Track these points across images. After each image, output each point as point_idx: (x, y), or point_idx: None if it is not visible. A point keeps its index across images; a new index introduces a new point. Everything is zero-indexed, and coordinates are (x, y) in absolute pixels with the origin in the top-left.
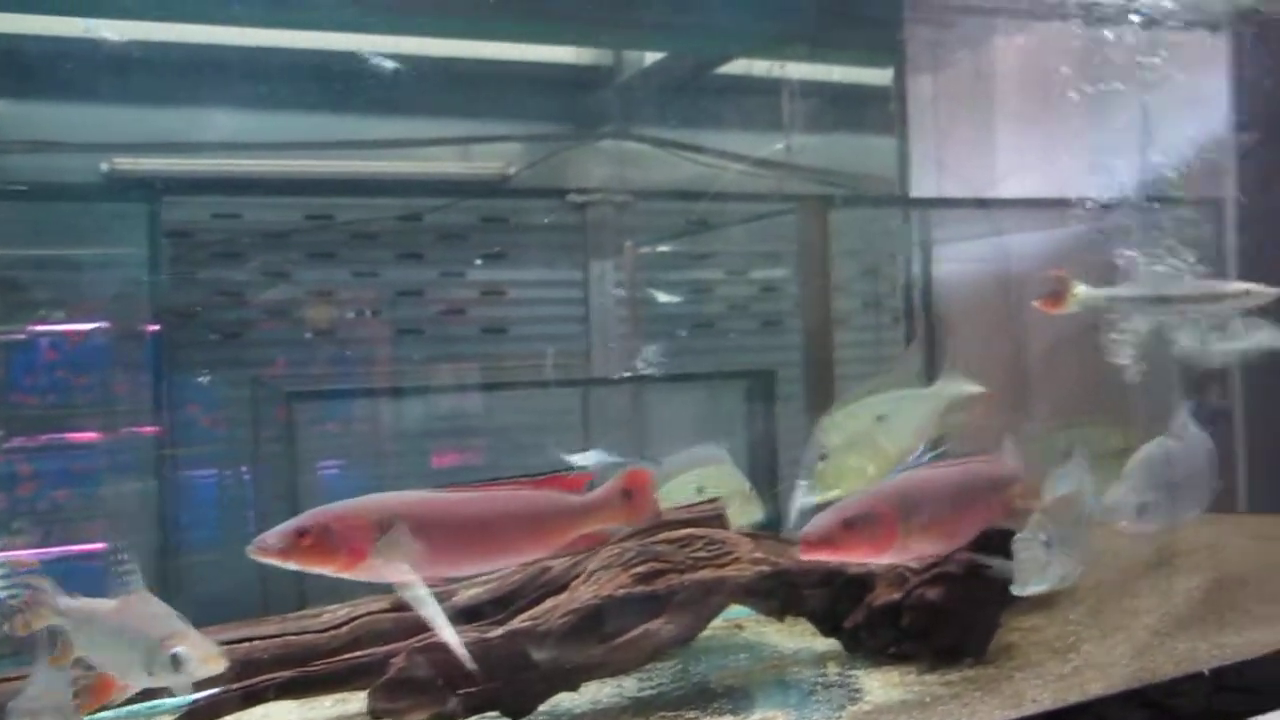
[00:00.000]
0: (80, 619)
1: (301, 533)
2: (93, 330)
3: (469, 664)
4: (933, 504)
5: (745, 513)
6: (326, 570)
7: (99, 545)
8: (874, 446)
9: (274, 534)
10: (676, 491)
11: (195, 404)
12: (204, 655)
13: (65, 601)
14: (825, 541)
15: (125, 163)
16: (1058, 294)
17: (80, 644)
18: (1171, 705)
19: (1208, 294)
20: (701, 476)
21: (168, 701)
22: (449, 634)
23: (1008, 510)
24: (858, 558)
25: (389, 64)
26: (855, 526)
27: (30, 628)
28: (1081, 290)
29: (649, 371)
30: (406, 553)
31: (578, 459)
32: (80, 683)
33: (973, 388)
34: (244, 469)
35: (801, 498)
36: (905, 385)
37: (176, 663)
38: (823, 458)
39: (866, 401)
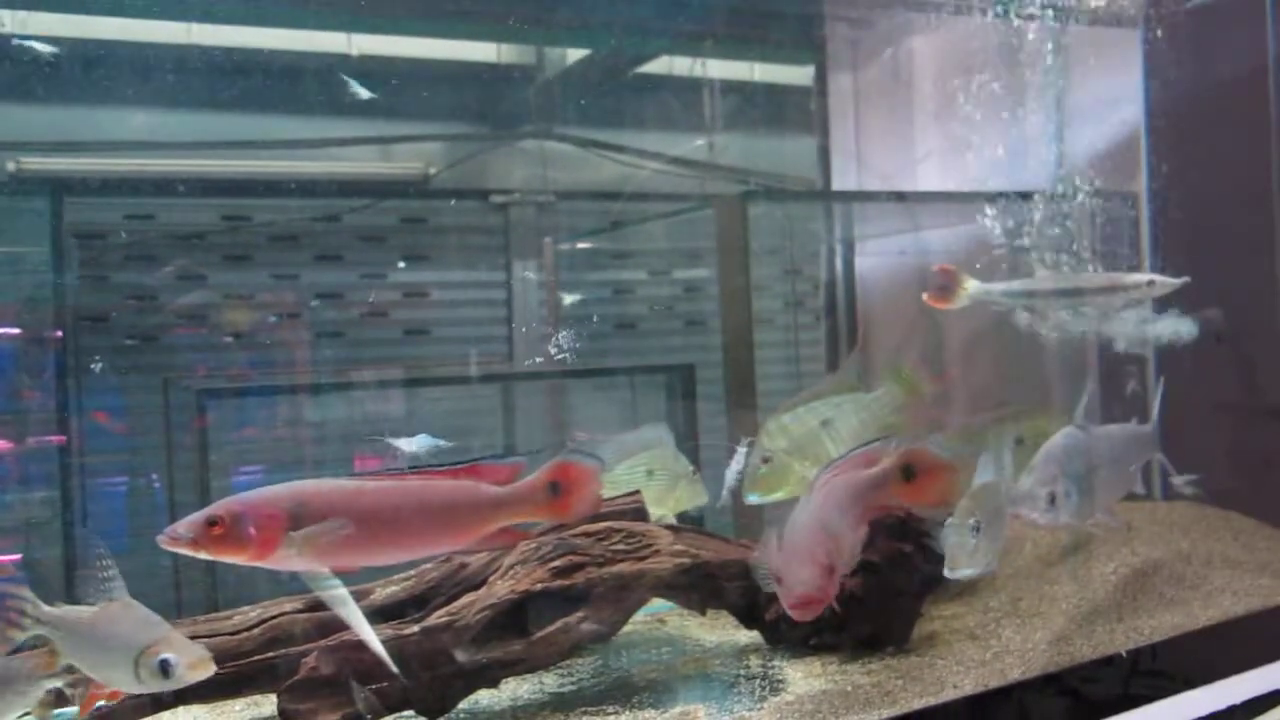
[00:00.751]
0: (65, 627)
1: (212, 522)
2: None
3: (389, 663)
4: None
5: (690, 496)
6: (238, 560)
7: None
8: (819, 451)
9: (184, 523)
10: (625, 476)
11: (106, 408)
12: (191, 661)
13: (48, 610)
14: (820, 595)
15: (33, 163)
16: (946, 289)
17: (67, 651)
18: (1090, 688)
19: (1109, 286)
20: (645, 460)
21: (69, 710)
22: (367, 632)
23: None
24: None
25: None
26: (833, 570)
27: (12, 641)
28: (972, 285)
29: (562, 356)
30: (320, 544)
31: (402, 443)
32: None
33: (920, 388)
34: (154, 474)
35: (732, 477)
36: (845, 390)
37: (165, 669)
38: (766, 461)
39: (811, 406)
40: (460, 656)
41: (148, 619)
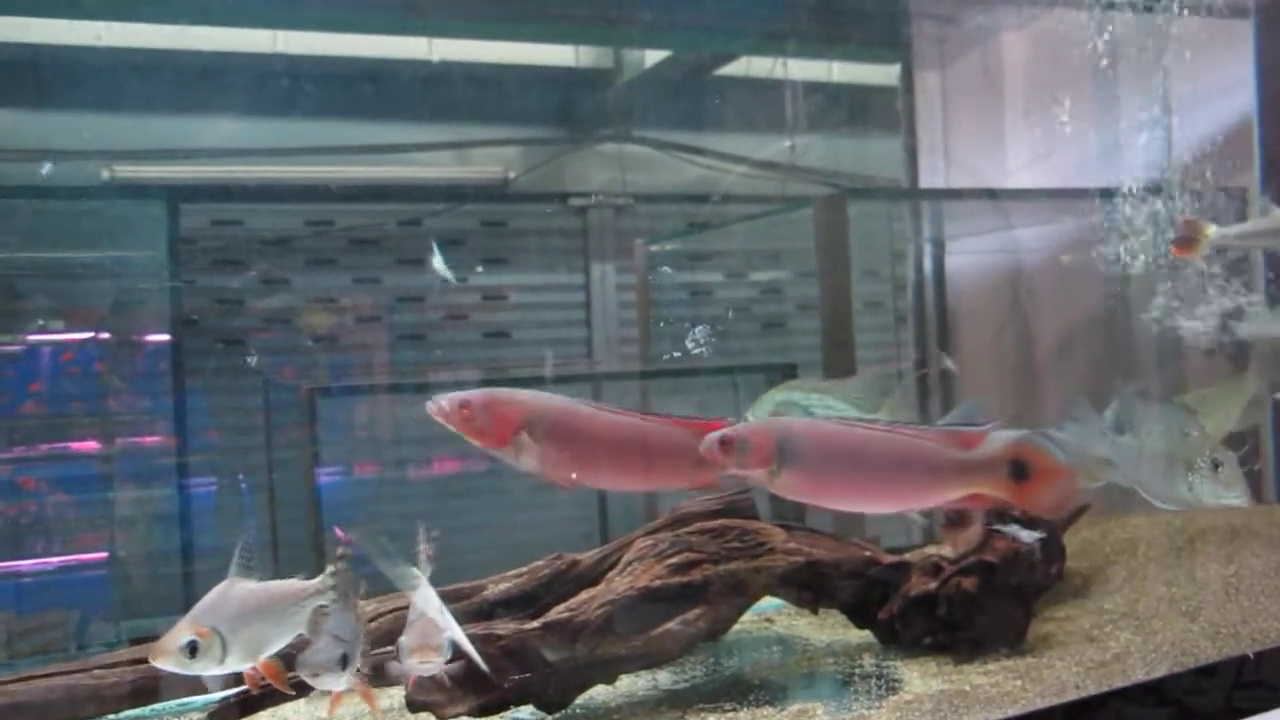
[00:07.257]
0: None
1: (463, 404)
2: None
3: (479, 661)
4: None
5: None
6: (478, 442)
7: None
8: None
9: (446, 398)
10: None
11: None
12: (413, 646)
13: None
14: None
15: (126, 170)
16: (1190, 239)
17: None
18: (1216, 687)
19: None
20: None
21: (197, 699)
22: (458, 633)
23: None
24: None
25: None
26: (731, 446)
27: None
28: (1212, 230)
29: (699, 352)
30: (534, 454)
31: None
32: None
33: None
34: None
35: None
36: (867, 397)
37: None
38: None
39: (829, 400)
40: (580, 651)
41: (416, 604)
